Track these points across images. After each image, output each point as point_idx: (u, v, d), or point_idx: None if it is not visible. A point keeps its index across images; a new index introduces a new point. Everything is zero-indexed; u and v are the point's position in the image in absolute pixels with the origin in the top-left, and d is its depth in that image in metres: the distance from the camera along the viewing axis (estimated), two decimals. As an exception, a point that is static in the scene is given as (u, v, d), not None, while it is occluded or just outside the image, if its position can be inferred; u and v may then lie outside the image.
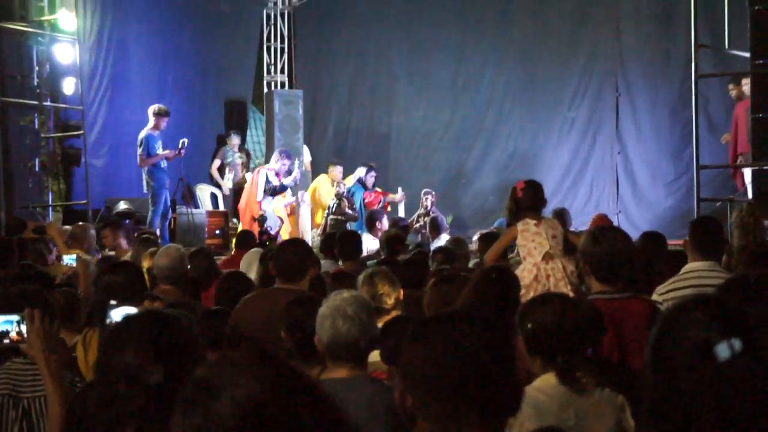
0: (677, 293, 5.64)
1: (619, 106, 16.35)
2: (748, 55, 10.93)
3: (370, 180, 16.15)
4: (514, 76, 17.61)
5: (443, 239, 12.84)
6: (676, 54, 15.33)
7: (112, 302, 4.72)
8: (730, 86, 13.57)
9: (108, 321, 4.54)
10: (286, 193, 15.57)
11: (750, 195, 12.44)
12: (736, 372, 2.09)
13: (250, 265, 8.44)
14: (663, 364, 2.33)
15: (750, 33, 10.72)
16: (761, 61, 10.74)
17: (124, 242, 11.27)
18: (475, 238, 11.32)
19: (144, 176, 14.60)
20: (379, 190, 16.27)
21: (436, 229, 13.35)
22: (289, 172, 15.56)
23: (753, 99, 10.86)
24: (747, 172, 12.76)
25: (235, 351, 5.27)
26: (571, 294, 6.89)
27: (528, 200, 7.73)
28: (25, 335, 3.73)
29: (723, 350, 2.21)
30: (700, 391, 2.04)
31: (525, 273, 7.32)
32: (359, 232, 13.92)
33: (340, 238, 9.36)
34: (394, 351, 4.54)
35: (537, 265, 7.43)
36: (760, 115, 10.72)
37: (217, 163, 17.39)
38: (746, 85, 12.99)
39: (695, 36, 11.47)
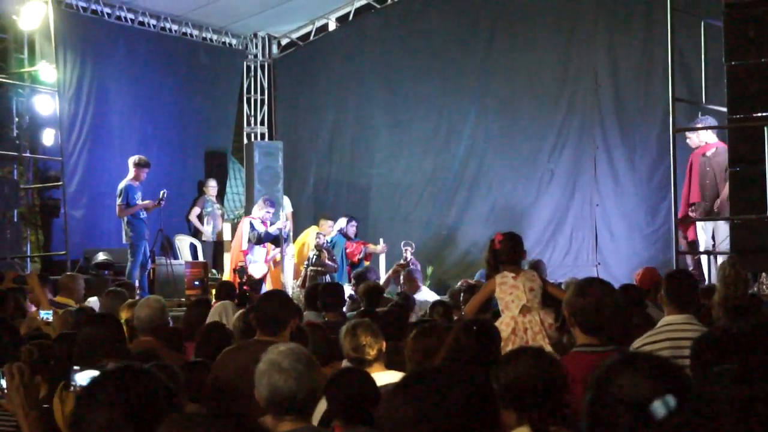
0: (653, 346, 5.66)
1: (598, 158, 16.43)
2: (725, 109, 11.04)
3: (351, 230, 16.19)
4: (495, 128, 17.67)
5: (424, 291, 12.89)
6: (654, 108, 15.43)
7: (76, 367, 4.67)
8: (688, 134, 13.50)
9: (72, 385, 4.48)
10: (270, 245, 15.60)
11: (701, 246, 12.53)
12: (674, 429, 2.08)
13: (216, 317, 8.48)
14: (601, 427, 2.31)
15: (726, 88, 10.83)
16: (738, 116, 10.84)
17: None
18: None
19: (123, 227, 14.58)
20: (360, 240, 16.31)
21: (410, 281, 13.35)
22: (272, 222, 15.61)
23: (731, 153, 10.94)
24: (699, 225, 12.79)
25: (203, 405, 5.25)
26: (549, 347, 6.91)
27: (506, 252, 7.77)
28: (5, 390, 3.71)
29: (658, 408, 2.20)
30: None
31: (503, 326, 7.34)
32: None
33: (323, 290, 9.37)
34: (343, 403, 4.54)
35: (514, 318, 7.47)
36: (738, 168, 10.80)
37: (196, 210, 17.38)
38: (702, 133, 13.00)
39: (672, 90, 11.58)
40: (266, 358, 4.17)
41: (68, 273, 12.00)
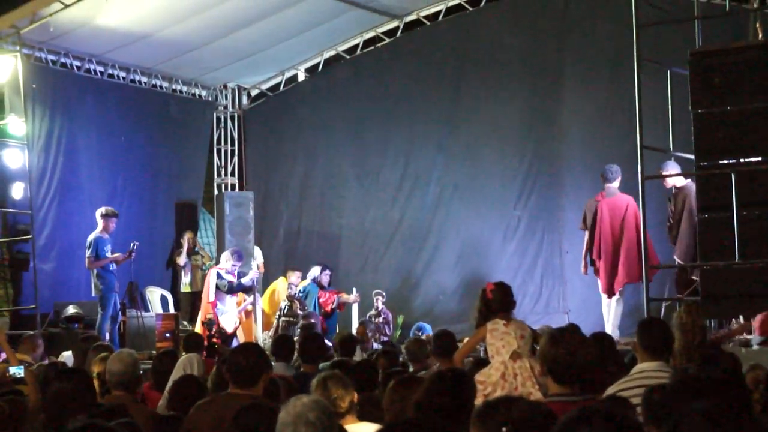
0: (626, 393, 5.67)
1: (566, 204, 16.49)
2: (692, 156, 11.15)
3: (326, 279, 16.22)
4: (461, 175, 17.72)
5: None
6: (621, 155, 15.49)
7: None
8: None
9: None
10: (243, 295, 15.56)
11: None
12: None
13: (181, 371, 8.44)
14: None
15: (694, 135, 10.95)
16: (705, 163, 10.95)
17: None
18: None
19: (93, 279, 14.50)
20: (333, 290, 16.31)
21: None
22: (242, 274, 15.56)
23: (699, 200, 11.04)
24: None
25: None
26: (539, 393, 6.99)
27: (498, 301, 7.95)
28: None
29: None
30: None
31: (492, 371, 7.48)
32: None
33: (304, 341, 9.33)
34: None
35: (505, 363, 7.59)
36: (706, 215, 10.89)
37: (183, 259, 17.31)
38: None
39: (641, 138, 11.63)
40: (290, 410, 4.07)
41: (29, 332, 12.05)
